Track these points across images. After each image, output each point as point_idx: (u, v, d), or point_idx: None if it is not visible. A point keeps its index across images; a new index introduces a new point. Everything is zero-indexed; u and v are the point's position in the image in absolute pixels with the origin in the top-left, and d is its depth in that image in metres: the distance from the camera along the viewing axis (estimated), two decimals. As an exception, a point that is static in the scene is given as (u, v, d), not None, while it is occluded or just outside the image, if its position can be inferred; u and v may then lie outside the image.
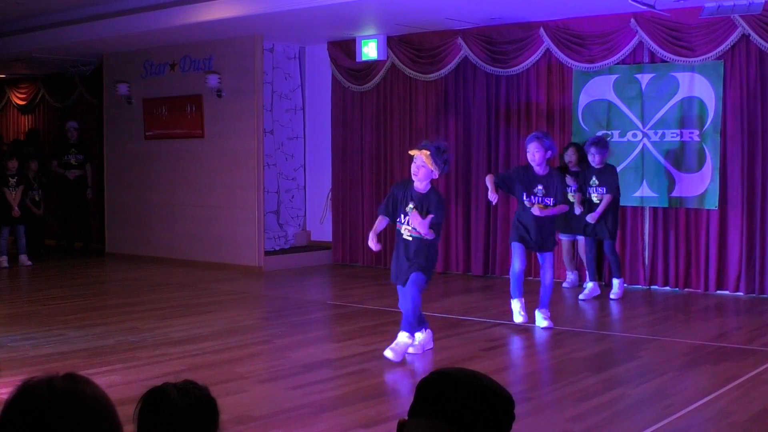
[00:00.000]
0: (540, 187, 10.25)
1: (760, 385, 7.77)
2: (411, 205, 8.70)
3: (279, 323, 11.02)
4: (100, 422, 2.22)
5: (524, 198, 10.29)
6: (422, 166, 8.61)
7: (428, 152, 8.58)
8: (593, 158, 12.27)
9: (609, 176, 12.27)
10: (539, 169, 10.35)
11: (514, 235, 10.45)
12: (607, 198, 12.20)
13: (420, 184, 8.73)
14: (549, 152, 10.28)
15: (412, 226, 8.64)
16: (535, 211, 10.15)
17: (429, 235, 8.54)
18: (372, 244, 8.93)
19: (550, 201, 10.25)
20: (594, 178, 12.31)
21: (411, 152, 8.87)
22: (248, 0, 13.61)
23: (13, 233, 16.40)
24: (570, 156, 12.89)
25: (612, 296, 12.37)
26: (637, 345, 9.44)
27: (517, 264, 10.40)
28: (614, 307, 11.98)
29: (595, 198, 12.33)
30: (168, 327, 10.45)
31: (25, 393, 2.23)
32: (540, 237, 10.32)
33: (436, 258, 9.04)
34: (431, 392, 2.60)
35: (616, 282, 12.47)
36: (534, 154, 10.24)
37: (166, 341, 9.62)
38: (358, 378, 8.06)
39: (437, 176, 8.80)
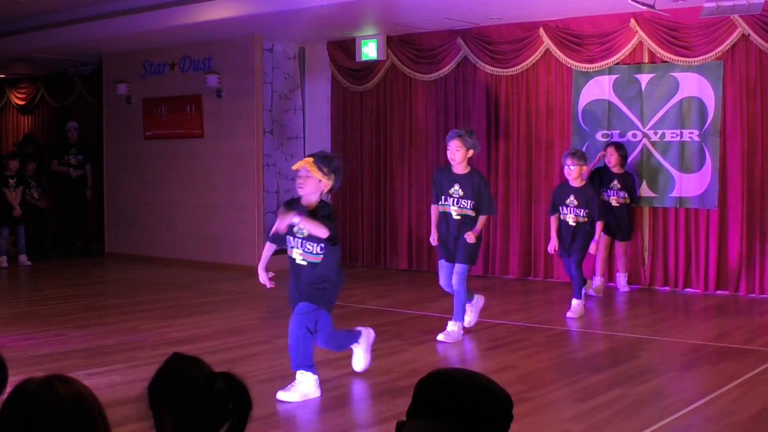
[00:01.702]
0: (457, 187, 9.52)
1: (760, 385, 7.77)
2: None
3: (278, 323, 11.00)
4: (82, 421, 2.22)
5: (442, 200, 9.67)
6: (308, 177, 7.31)
7: (311, 159, 7.39)
8: (569, 171, 11.19)
9: (588, 195, 11.23)
10: (458, 168, 9.66)
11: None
12: (597, 226, 11.11)
13: (309, 198, 7.41)
14: (472, 151, 9.50)
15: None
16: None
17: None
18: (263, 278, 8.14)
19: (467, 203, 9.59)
20: (572, 197, 11.21)
21: (294, 166, 7.53)
22: (248, 0, 13.61)
23: (13, 233, 16.40)
24: (609, 157, 12.77)
25: (568, 314, 11.08)
26: (637, 345, 9.44)
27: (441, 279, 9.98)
28: (615, 307, 11.97)
29: (570, 219, 11.22)
30: (167, 327, 10.46)
31: (8, 400, 2.24)
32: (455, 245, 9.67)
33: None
34: (430, 392, 2.60)
35: (574, 302, 11.17)
36: (455, 152, 9.46)
37: (166, 341, 9.62)
38: (358, 378, 8.06)
39: (327, 189, 7.43)
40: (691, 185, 12.73)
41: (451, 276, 9.73)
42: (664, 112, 12.88)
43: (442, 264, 9.90)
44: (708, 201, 12.62)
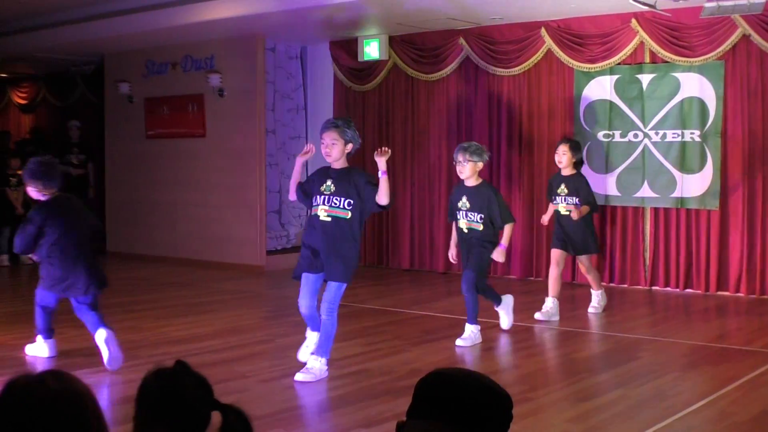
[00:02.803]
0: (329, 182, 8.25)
1: (761, 387, 7.78)
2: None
3: (280, 323, 11.01)
4: (76, 418, 2.22)
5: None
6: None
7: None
8: (461, 169, 9.65)
9: (485, 195, 9.62)
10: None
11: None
12: (505, 230, 9.58)
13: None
14: (351, 144, 8.07)
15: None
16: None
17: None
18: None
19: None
20: (465, 199, 9.66)
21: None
22: (250, 0, 13.62)
23: (14, 232, 16.38)
24: (559, 156, 11.28)
25: (458, 342, 9.48)
26: (638, 346, 9.45)
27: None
28: (615, 308, 11.96)
29: (464, 225, 9.66)
30: (169, 326, 10.47)
31: (2, 395, 2.24)
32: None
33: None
34: (430, 392, 2.61)
35: (467, 327, 9.61)
36: (330, 147, 8.13)
37: (167, 340, 9.64)
38: (358, 378, 8.07)
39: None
40: (692, 185, 12.73)
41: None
42: (665, 112, 12.88)
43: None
44: (709, 201, 12.62)
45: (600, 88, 13.39)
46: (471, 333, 9.51)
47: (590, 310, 11.41)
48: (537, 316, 10.88)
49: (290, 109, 16.70)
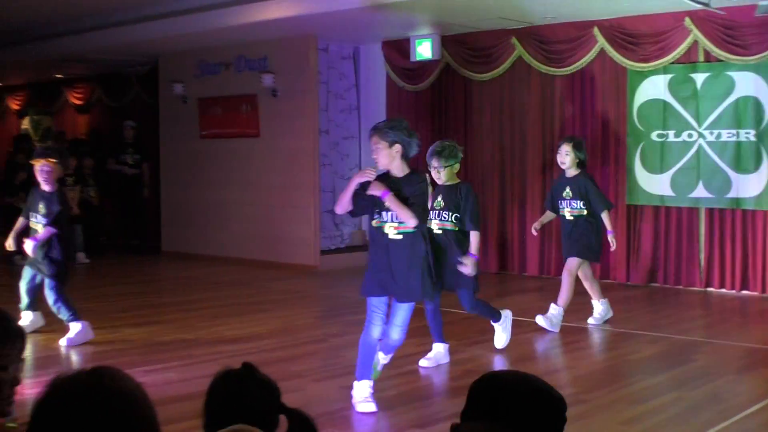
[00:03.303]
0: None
1: (818, 389, 7.70)
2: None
3: (334, 322, 11.05)
4: (126, 416, 2.24)
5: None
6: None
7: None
8: (437, 175, 8.79)
9: (460, 196, 8.73)
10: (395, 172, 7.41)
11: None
12: (472, 237, 8.61)
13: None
14: (398, 146, 7.14)
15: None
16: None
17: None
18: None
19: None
20: (440, 198, 8.80)
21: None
22: (303, 0, 13.67)
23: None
24: (562, 156, 10.54)
25: (422, 363, 8.64)
26: (693, 348, 9.38)
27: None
28: (669, 310, 11.88)
29: (435, 226, 8.69)
30: (223, 325, 10.53)
31: (50, 390, 2.26)
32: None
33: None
34: (484, 395, 2.61)
35: (437, 346, 8.86)
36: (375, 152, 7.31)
37: (222, 339, 9.69)
38: (412, 378, 8.09)
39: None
40: (748, 186, 12.60)
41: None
42: (719, 111, 12.77)
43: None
44: (765, 201, 12.50)
45: (653, 88, 13.30)
46: (504, 323, 9.25)
47: (590, 321, 10.67)
48: (590, 321, 10.70)
49: (343, 110, 16.74)
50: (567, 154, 10.34)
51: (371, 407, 6.99)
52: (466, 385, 2.68)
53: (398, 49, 15.86)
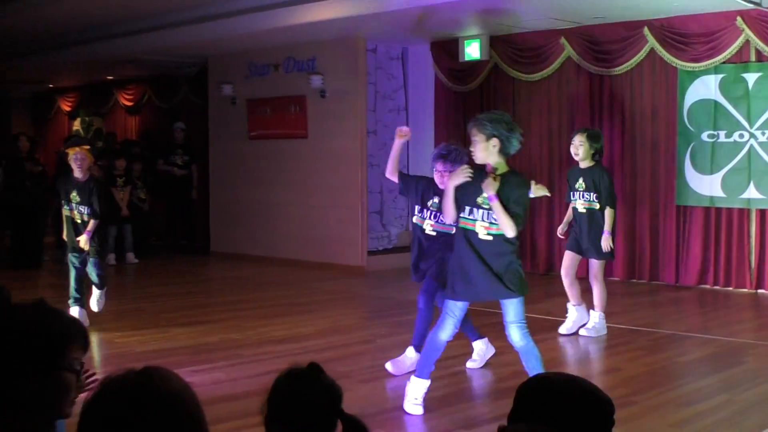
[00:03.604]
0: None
1: None
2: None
3: (381, 323, 11.06)
4: (175, 416, 2.25)
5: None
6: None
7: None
8: (440, 179, 8.28)
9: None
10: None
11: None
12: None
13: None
14: (496, 139, 6.88)
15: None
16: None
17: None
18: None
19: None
20: (437, 200, 8.25)
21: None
22: (351, 1, 13.68)
23: (120, 232, 16.70)
24: (576, 147, 10.23)
25: (469, 365, 8.59)
26: (742, 350, 9.29)
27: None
28: (719, 311, 11.79)
29: (428, 228, 8.32)
30: (271, 325, 10.57)
31: (101, 390, 2.27)
32: None
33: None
34: (531, 397, 2.61)
35: (476, 344, 8.79)
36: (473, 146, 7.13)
37: (269, 339, 9.73)
38: (459, 379, 8.07)
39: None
40: (799, 187, 12.49)
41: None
42: (772, 112, 12.66)
43: None
44: (817, 203, 12.38)
45: (704, 88, 13.19)
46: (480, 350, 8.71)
47: (583, 332, 10.03)
48: (561, 330, 10.10)
49: (391, 110, 16.74)
50: (581, 145, 10.03)
51: (418, 410, 6.93)
52: (512, 387, 2.67)
53: (446, 49, 15.84)
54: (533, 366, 6.79)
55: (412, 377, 7.07)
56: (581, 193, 10.01)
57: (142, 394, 2.24)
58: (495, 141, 6.76)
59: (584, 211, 10.01)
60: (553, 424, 2.50)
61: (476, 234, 6.76)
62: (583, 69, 14.33)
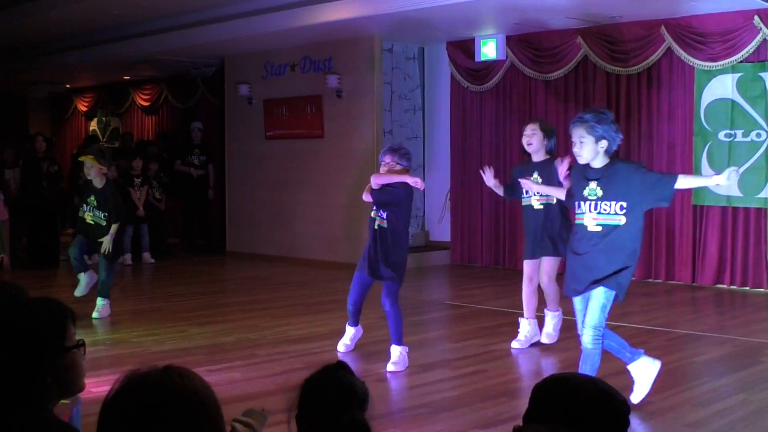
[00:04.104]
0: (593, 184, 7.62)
1: None
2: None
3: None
4: (194, 414, 2.26)
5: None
6: (533, 134, 7.95)
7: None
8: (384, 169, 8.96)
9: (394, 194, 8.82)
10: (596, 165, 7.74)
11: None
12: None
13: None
14: (604, 141, 6.79)
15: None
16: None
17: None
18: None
19: None
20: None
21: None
22: (368, 1, 13.69)
23: (137, 231, 16.73)
24: (529, 137, 9.29)
25: (390, 368, 8.43)
26: (759, 350, 9.26)
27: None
28: (736, 311, 11.75)
29: (377, 224, 8.97)
30: (287, 325, 10.58)
31: (122, 386, 2.29)
32: None
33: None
34: (547, 397, 2.61)
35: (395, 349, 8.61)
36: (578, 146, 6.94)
37: (285, 339, 9.74)
38: (475, 379, 8.07)
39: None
40: (817, 186, 12.45)
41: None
42: (789, 111, 12.62)
43: None
44: (835, 202, 12.33)
45: (721, 87, 13.15)
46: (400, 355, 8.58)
47: (545, 339, 9.60)
48: (514, 344, 9.35)
49: (407, 110, 16.74)
50: (533, 134, 9.13)
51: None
52: (528, 387, 2.67)
53: (463, 49, 15.83)
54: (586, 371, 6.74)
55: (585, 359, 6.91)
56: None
57: (164, 392, 2.25)
58: (604, 143, 6.81)
59: (541, 207, 9.16)
60: (568, 424, 2.50)
61: (586, 226, 6.85)
62: (599, 68, 14.31)
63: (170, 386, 2.26)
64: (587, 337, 6.81)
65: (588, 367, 6.78)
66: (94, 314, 10.92)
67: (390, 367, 8.35)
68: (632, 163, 7.07)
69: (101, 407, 2.26)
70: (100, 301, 11.04)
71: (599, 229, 6.77)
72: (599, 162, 6.85)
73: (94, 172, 10.99)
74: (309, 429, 2.91)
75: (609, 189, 6.73)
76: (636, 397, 6.94)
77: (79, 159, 11.70)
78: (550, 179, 8.74)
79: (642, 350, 7.23)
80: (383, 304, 8.60)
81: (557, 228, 9.16)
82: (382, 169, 8.80)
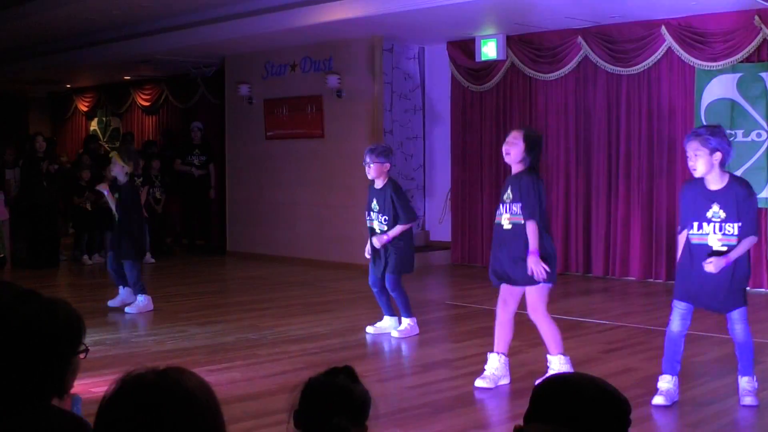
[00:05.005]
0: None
1: None
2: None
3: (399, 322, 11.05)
4: (193, 415, 2.26)
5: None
6: (514, 144, 7.77)
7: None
8: (368, 169, 9.97)
9: (387, 201, 10.14)
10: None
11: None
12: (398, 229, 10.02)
13: (710, 177, 6.96)
14: (719, 153, 6.88)
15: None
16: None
17: None
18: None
19: None
20: (375, 202, 10.23)
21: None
22: (368, 1, 13.69)
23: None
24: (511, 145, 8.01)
25: (393, 333, 10.02)
26: (760, 350, 9.23)
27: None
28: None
29: (376, 226, 10.20)
30: (287, 325, 10.58)
31: (120, 387, 2.29)
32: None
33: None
34: (548, 397, 2.60)
35: (403, 320, 10.18)
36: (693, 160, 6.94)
37: (286, 339, 9.74)
38: (473, 379, 8.05)
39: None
40: (817, 186, 12.45)
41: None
42: (790, 111, 12.62)
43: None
44: (835, 202, 12.33)
45: (722, 87, 13.15)
46: (408, 326, 10.03)
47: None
48: (478, 383, 7.73)
49: (407, 110, 16.74)
50: (515, 143, 7.92)
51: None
52: (529, 386, 2.67)
53: (463, 49, 15.83)
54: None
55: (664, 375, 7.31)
56: (509, 205, 7.82)
57: (161, 392, 2.25)
58: (718, 155, 6.90)
59: (510, 227, 7.79)
60: (569, 424, 2.50)
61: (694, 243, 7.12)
62: (600, 68, 14.31)
63: (167, 387, 2.26)
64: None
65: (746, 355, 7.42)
66: (131, 309, 11.45)
67: (394, 333, 9.88)
68: (749, 186, 7.11)
69: (98, 408, 2.26)
70: (138, 298, 11.59)
71: (725, 249, 7.07)
72: (716, 176, 6.97)
73: (117, 169, 11.60)
74: (303, 428, 2.94)
75: (729, 210, 6.97)
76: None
77: (109, 156, 12.72)
78: (521, 195, 7.73)
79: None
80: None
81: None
82: (367, 170, 10.00)
